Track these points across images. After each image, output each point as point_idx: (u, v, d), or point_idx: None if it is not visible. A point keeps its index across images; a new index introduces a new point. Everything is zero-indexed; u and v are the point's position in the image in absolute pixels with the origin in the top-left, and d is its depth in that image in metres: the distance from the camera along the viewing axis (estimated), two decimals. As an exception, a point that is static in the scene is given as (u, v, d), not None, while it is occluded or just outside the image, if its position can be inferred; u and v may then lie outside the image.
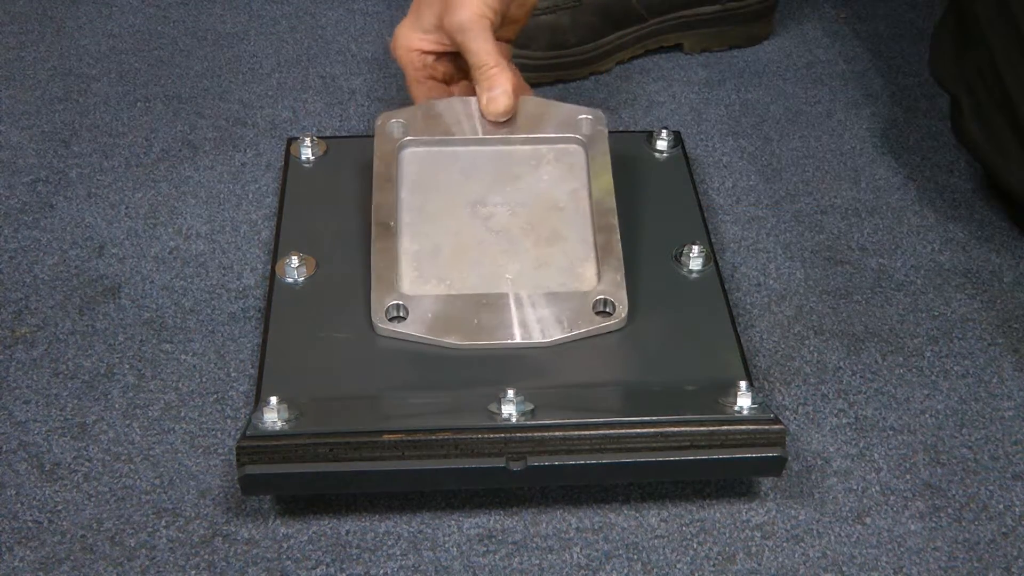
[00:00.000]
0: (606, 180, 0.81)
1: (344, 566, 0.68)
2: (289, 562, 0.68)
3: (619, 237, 0.78)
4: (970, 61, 0.86)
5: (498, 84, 0.81)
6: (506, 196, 0.82)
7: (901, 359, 0.81)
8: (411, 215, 0.81)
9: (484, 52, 0.80)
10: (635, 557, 0.69)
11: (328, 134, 0.98)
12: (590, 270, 0.77)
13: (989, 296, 0.85)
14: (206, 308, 0.84)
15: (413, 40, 0.84)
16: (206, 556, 0.69)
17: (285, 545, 0.69)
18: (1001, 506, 0.72)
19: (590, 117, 0.85)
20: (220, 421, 0.76)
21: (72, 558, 0.68)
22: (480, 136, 0.84)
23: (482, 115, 0.85)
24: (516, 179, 0.83)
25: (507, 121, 0.85)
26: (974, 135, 0.87)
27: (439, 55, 0.85)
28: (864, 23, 1.14)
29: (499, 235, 0.80)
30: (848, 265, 0.88)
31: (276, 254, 0.80)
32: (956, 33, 0.88)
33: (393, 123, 0.85)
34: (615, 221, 0.79)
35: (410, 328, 0.73)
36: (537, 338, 0.73)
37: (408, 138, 0.84)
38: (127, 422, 0.76)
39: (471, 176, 0.83)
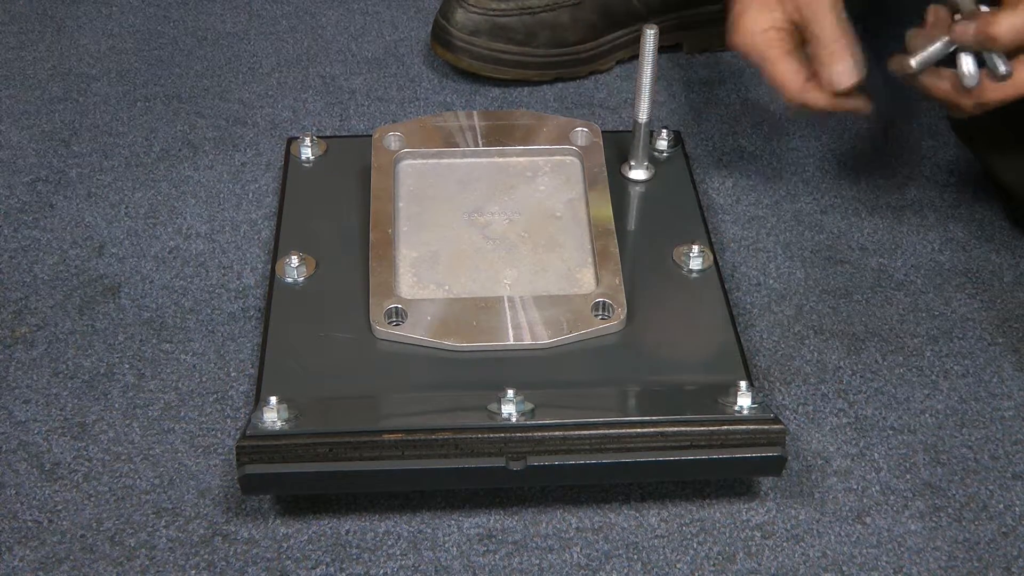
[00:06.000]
0: (603, 191, 0.82)
1: (344, 566, 0.68)
2: (289, 562, 0.68)
3: (617, 245, 0.78)
4: None
5: (841, 59, 0.78)
6: (503, 205, 0.82)
7: (901, 359, 0.81)
8: (409, 224, 0.81)
9: (828, 26, 0.78)
10: (635, 557, 0.69)
11: (328, 134, 0.98)
12: (588, 275, 0.78)
13: (989, 296, 0.85)
14: (206, 308, 0.84)
15: (761, 21, 0.80)
16: (206, 556, 0.69)
17: (285, 545, 0.69)
18: (1001, 506, 0.72)
19: (585, 129, 0.86)
20: (220, 421, 0.76)
21: (72, 558, 0.68)
22: (476, 148, 0.85)
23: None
24: (513, 189, 0.84)
25: (503, 134, 0.86)
26: (970, 130, 0.87)
27: (782, 31, 0.81)
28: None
29: (497, 242, 0.80)
30: (848, 265, 0.88)
31: (276, 254, 0.80)
32: None
33: (390, 136, 0.85)
34: (612, 229, 0.79)
35: (409, 331, 0.73)
36: (536, 340, 0.73)
37: (405, 150, 0.85)
38: (127, 422, 0.76)
39: (468, 187, 0.84)
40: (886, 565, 0.69)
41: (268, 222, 0.90)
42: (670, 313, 0.77)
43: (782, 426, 0.68)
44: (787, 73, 0.80)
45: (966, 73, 0.75)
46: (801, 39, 0.81)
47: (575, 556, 0.69)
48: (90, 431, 0.75)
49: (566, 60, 1.04)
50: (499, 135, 0.87)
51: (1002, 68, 0.74)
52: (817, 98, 0.80)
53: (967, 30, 0.74)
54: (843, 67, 0.78)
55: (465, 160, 0.86)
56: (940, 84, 0.77)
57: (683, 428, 0.67)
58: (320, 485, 0.68)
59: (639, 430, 0.67)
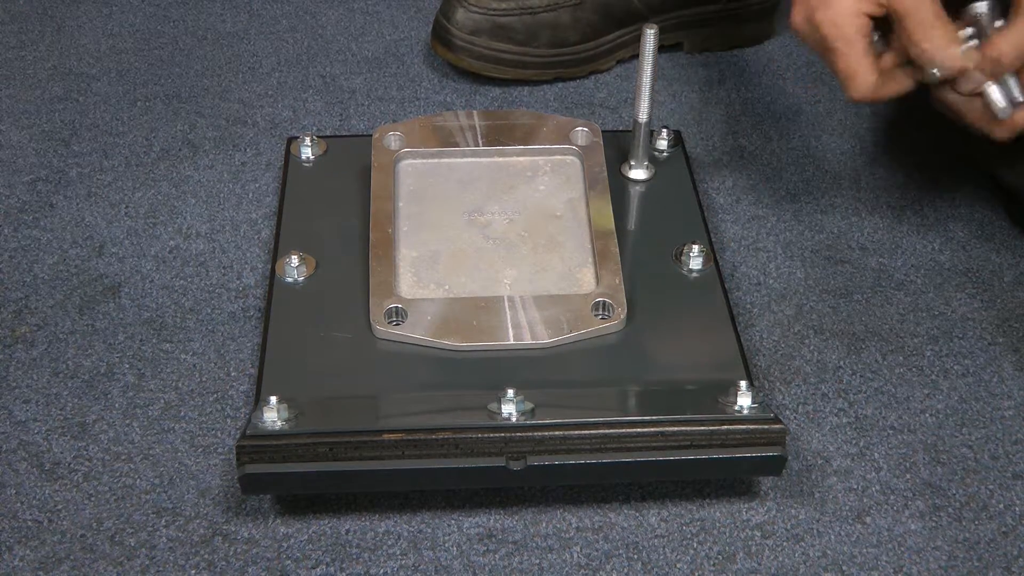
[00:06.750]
0: (603, 190, 0.82)
1: (344, 566, 0.68)
2: (289, 561, 0.68)
3: (617, 244, 0.78)
4: None
5: (942, 40, 0.73)
6: (503, 205, 0.82)
7: (901, 358, 0.81)
8: (409, 224, 0.81)
9: (932, 9, 0.73)
10: (635, 557, 0.69)
11: (328, 134, 0.98)
12: (588, 274, 0.78)
13: (989, 295, 0.85)
14: (206, 308, 0.84)
15: (857, 3, 0.74)
16: (206, 555, 0.69)
17: (285, 545, 0.69)
18: (1001, 505, 0.72)
19: (585, 129, 0.86)
20: (220, 420, 0.76)
21: (72, 557, 0.68)
22: (476, 148, 0.85)
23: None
24: (513, 189, 0.84)
25: (503, 133, 0.86)
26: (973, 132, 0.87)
27: (870, 19, 0.76)
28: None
29: (497, 242, 0.80)
30: (848, 264, 0.88)
31: (276, 253, 0.80)
32: None
33: (390, 136, 0.85)
34: (612, 229, 0.79)
35: (409, 331, 0.73)
36: (536, 339, 0.73)
37: (405, 150, 0.85)
38: (127, 421, 0.76)
39: (468, 186, 0.84)
40: (886, 565, 0.69)
41: (268, 222, 0.90)
42: (670, 313, 0.77)
43: (782, 426, 0.68)
44: (868, 67, 0.76)
45: (998, 104, 0.74)
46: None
47: (575, 556, 0.69)
48: (90, 431, 0.75)
49: (566, 60, 1.04)
50: (499, 135, 0.87)
51: (1017, 95, 0.74)
52: (896, 87, 0.77)
53: (972, 78, 0.74)
54: (954, 51, 0.73)
55: (465, 160, 0.86)
56: (972, 110, 0.76)
57: (683, 428, 0.67)
58: (320, 485, 0.68)
59: (639, 430, 0.67)
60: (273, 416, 0.67)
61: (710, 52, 1.10)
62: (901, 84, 0.77)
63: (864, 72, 0.76)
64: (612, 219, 0.80)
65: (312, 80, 1.05)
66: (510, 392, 0.68)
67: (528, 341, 0.73)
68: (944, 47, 0.73)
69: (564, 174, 0.85)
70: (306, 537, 0.70)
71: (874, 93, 0.77)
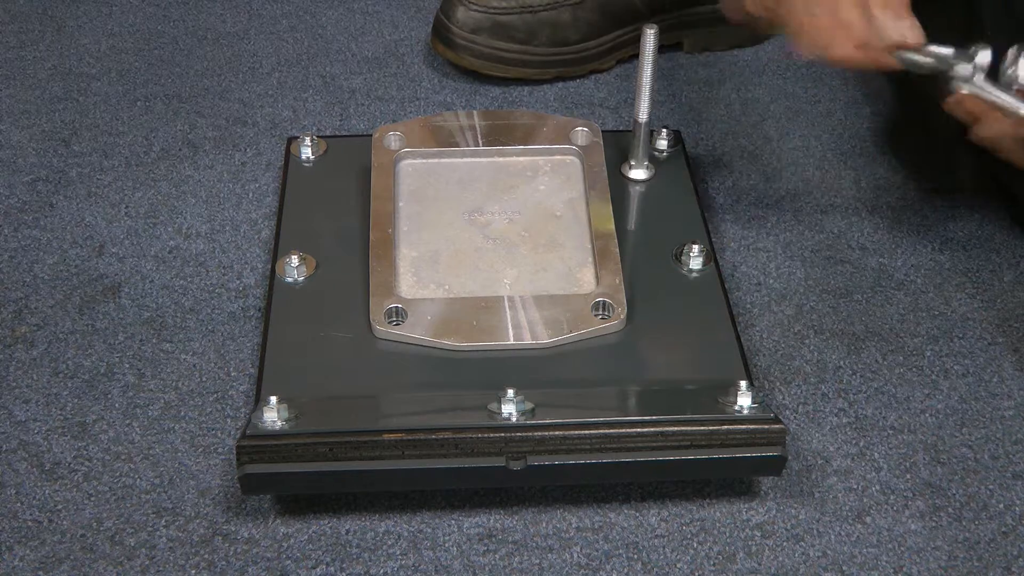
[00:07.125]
0: (603, 190, 0.82)
1: (344, 565, 0.68)
2: (289, 561, 0.68)
3: (617, 244, 0.78)
4: None
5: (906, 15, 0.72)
6: (503, 205, 0.83)
7: (901, 358, 0.81)
8: (409, 224, 0.81)
9: None
10: (635, 556, 0.69)
11: (328, 133, 0.98)
12: (588, 274, 0.78)
13: (989, 295, 0.85)
14: (206, 308, 0.84)
15: None
16: (206, 555, 0.69)
17: (285, 544, 0.69)
18: (1001, 505, 0.72)
19: (585, 129, 0.86)
20: (220, 420, 0.76)
21: (72, 557, 0.68)
22: (476, 148, 0.85)
23: (479, 127, 0.84)
24: (513, 189, 0.84)
25: (503, 133, 0.86)
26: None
27: None
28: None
29: (497, 242, 0.80)
30: (848, 264, 0.88)
31: (276, 253, 0.80)
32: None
33: (390, 136, 0.85)
34: (613, 229, 0.79)
35: (409, 331, 0.73)
36: (536, 339, 0.73)
37: (405, 150, 0.85)
38: (127, 421, 0.76)
39: (468, 186, 0.84)
40: (886, 565, 0.69)
41: (268, 222, 0.90)
42: (670, 313, 0.77)
43: (782, 426, 0.68)
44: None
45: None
46: None
47: (575, 556, 0.69)
48: (90, 431, 0.75)
49: (567, 59, 1.04)
50: (499, 135, 0.87)
51: None
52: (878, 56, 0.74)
53: None
54: (907, 23, 0.73)
55: (465, 160, 0.86)
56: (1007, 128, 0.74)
57: (683, 428, 0.67)
58: (320, 485, 0.68)
59: (639, 430, 0.67)
60: (273, 416, 0.67)
61: (710, 52, 1.10)
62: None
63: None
64: (612, 219, 0.80)
65: (312, 80, 1.05)
66: (510, 392, 0.68)
67: (528, 341, 0.73)
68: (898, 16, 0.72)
69: (564, 174, 0.85)
70: (306, 537, 0.70)
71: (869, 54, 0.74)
